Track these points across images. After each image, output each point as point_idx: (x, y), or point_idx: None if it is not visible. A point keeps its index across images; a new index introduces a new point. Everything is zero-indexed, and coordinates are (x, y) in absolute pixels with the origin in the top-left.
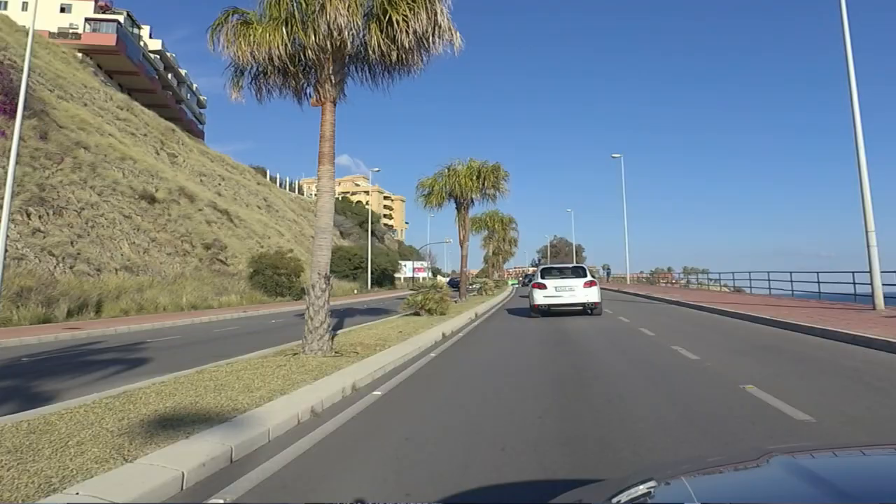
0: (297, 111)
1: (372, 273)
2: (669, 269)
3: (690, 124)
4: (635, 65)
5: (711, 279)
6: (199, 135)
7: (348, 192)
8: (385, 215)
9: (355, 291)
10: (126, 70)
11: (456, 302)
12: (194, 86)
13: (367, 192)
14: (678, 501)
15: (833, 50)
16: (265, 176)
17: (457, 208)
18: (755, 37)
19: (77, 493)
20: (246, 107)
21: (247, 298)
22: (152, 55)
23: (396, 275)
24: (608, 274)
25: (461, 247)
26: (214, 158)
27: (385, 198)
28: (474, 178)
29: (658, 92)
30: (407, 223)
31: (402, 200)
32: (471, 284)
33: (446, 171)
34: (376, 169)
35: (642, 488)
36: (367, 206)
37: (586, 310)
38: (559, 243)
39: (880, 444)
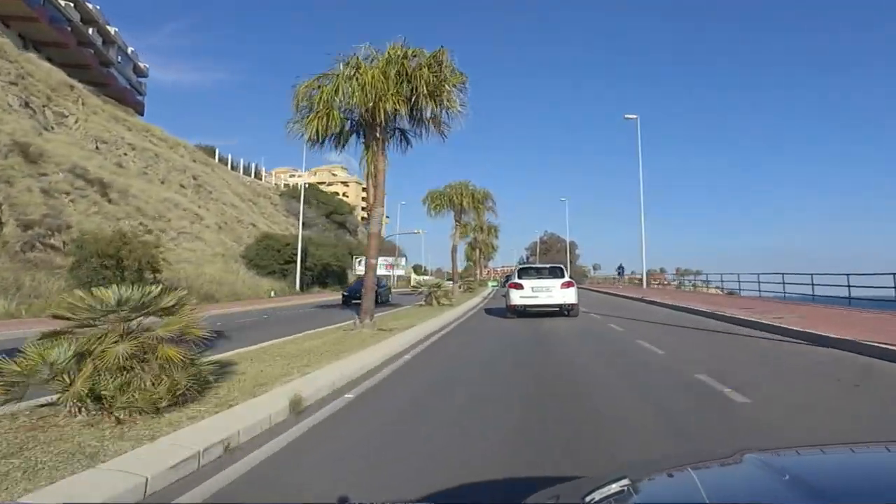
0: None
1: (309, 269)
2: (662, 270)
3: (689, 124)
4: (634, 65)
5: (706, 280)
6: (134, 105)
7: (324, 183)
8: (363, 207)
9: (272, 294)
10: (18, 14)
11: (355, 327)
12: (129, 49)
13: (345, 184)
14: (652, 500)
15: (833, 55)
16: (213, 156)
17: (364, 138)
18: (753, 38)
19: None
20: (242, 105)
21: (35, 306)
22: (63, 2)
23: (356, 270)
24: (621, 274)
25: (369, 216)
26: (134, 127)
27: (364, 189)
28: (394, 77)
29: (658, 91)
30: (388, 217)
31: (384, 194)
32: (418, 287)
33: (341, 67)
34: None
35: (616, 486)
36: (313, 177)
37: (563, 311)
38: (550, 239)
39: (853, 443)
